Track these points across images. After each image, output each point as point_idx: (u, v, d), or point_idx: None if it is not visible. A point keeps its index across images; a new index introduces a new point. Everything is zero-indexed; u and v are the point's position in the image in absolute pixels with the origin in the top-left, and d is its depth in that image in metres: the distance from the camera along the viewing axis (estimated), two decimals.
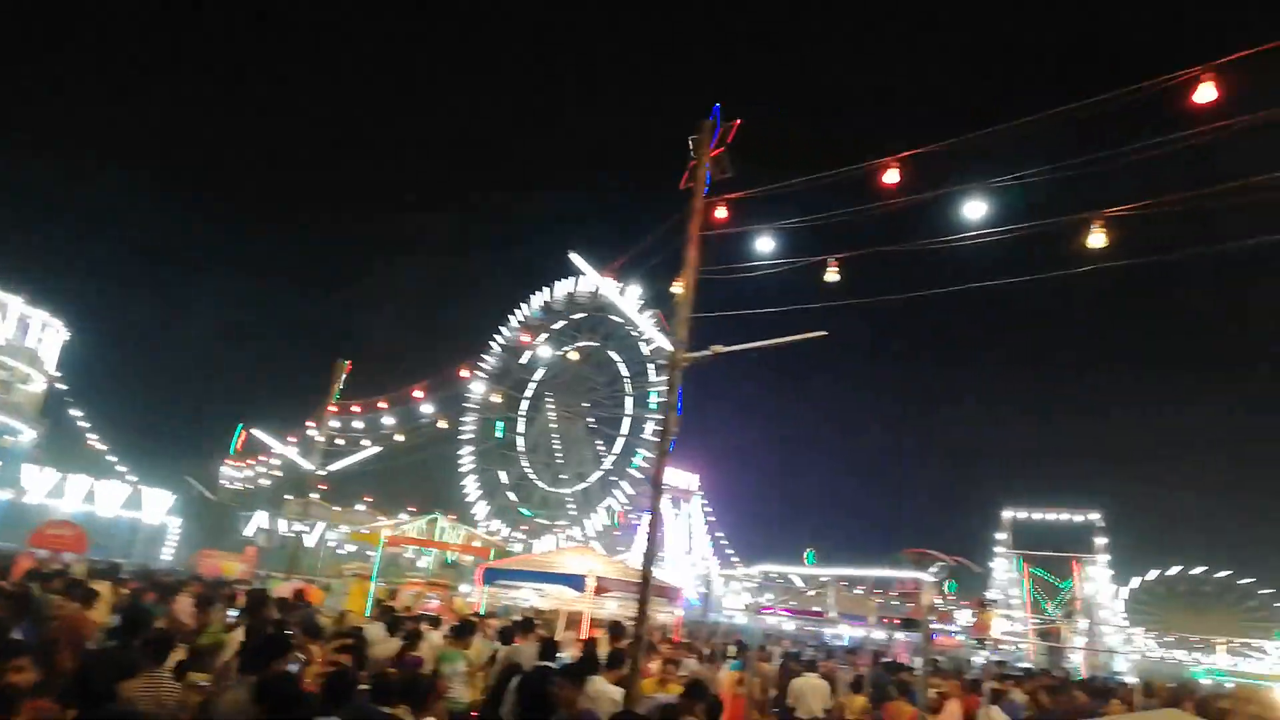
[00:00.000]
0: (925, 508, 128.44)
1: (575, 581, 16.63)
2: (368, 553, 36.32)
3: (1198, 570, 66.50)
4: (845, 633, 48.41)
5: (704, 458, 71.89)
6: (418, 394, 34.90)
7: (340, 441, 35.42)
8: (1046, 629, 53.33)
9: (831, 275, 10.37)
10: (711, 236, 11.40)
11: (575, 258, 48.40)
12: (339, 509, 58.89)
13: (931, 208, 10.46)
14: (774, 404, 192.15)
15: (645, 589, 9.80)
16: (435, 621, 13.42)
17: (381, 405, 35.95)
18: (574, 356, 60.41)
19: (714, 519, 70.30)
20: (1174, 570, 67.52)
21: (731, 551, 70.46)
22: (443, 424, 39.70)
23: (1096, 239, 9.82)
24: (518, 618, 15.57)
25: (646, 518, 10.59)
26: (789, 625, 49.55)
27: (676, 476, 65.83)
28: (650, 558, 10.12)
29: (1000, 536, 62.33)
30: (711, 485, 70.54)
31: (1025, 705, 12.89)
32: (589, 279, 52.67)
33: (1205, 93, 8.13)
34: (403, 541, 34.36)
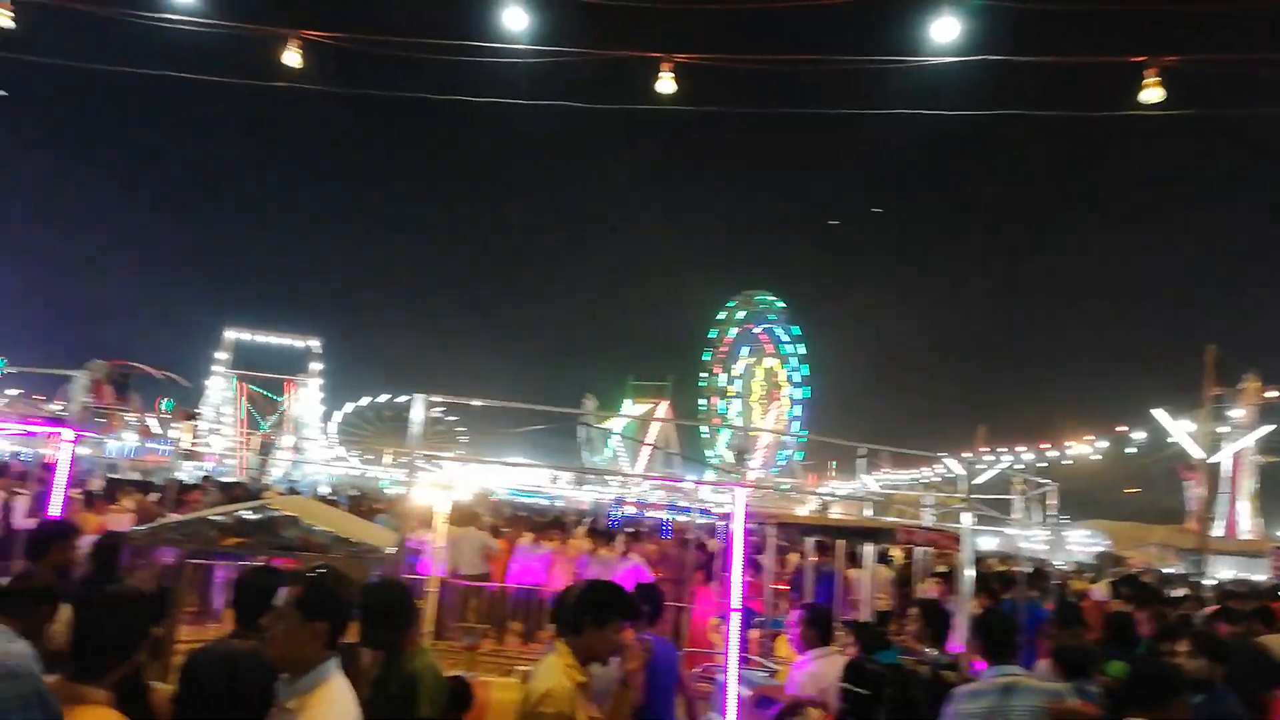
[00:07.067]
0: (149, 321, 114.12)
1: None
2: None
3: (403, 398, 74.25)
4: None
5: None
6: None
7: None
8: (261, 442, 52.79)
9: None
10: None
11: None
12: None
13: None
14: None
15: None
16: None
17: None
18: None
19: None
20: (384, 398, 74.60)
21: None
22: None
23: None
24: None
25: None
26: None
27: None
28: None
29: (221, 356, 60.62)
30: None
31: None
32: None
33: None
34: None
